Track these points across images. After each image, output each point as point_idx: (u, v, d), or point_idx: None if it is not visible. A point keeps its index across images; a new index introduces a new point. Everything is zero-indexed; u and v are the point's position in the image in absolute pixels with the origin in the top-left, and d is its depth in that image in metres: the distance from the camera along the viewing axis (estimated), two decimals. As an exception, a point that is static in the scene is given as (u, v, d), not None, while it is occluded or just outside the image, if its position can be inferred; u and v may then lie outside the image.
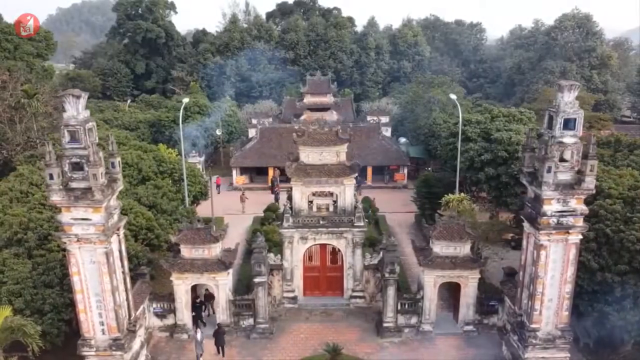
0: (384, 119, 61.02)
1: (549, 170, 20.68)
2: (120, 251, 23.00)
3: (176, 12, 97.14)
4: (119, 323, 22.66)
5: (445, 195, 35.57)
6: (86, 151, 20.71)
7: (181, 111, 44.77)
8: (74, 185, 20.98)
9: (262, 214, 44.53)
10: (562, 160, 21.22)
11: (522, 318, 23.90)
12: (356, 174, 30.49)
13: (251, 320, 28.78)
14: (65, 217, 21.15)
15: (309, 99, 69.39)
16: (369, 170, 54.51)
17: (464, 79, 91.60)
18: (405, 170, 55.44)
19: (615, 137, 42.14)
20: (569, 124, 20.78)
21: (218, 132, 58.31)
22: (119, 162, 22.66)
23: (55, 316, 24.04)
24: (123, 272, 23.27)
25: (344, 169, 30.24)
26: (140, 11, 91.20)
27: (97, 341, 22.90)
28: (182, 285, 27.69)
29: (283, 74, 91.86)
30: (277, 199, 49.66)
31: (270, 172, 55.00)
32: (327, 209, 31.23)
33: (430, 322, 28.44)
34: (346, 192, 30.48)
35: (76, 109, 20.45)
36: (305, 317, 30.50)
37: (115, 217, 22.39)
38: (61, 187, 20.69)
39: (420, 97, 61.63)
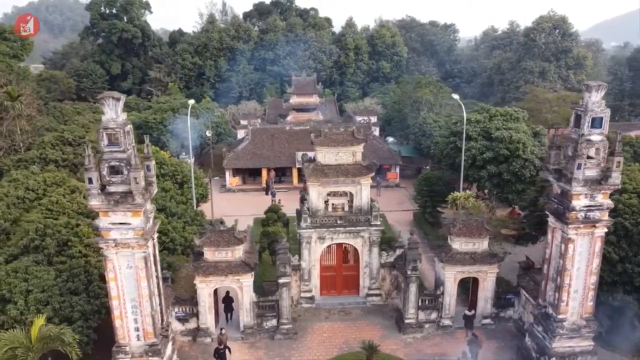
0: (373, 119, 61.80)
1: (579, 167, 21.62)
2: (154, 255, 22.69)
3: (151, 12, 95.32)
4: (155, 328, 22.35)
5: (452, 193, 36.40)
6: (125, 154, 20.40)
7: (188, 112, 44.37)
8: (111, 189, 20.61)
9: (263, 215, 44.47)
10: (588, 157, 22.19)
11: (547, 310, 24.81)
12: (373, 174, 30.93)
13: (274, 322, 28.81)
14: (103, 222, 20.73)
15: (295, 100, 69.58)
16: (361, 169, 54.99)
17: (440, 79, 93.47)
18: (398, 169, 56.28)
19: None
20: (595, 123, 21.76)
21: (208, 134, 57.68)
22: (153, 165, 22.35)
23: (84, 324, 23.60)
24: (157, 277, 22.95)
25: (360, 168, 30.62)
26: (114, 11, 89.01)
27: (132, 347, 22.51)
28: (205, 289, 27.48)
29: (263, 74, 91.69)
30: (273, 200, 49.62)
31: (264, 173, 54.90)
32: (343, 208, 31.56)
33: (450, 316, 29.17)
34: (362, 192, 30.87)
35: (115, 111, 20.15)
36: (325, 316, 30.75)
37: (151, 220, 22.10)
38: (100, 191, 20.27)
39: (408, 97, 62.63)
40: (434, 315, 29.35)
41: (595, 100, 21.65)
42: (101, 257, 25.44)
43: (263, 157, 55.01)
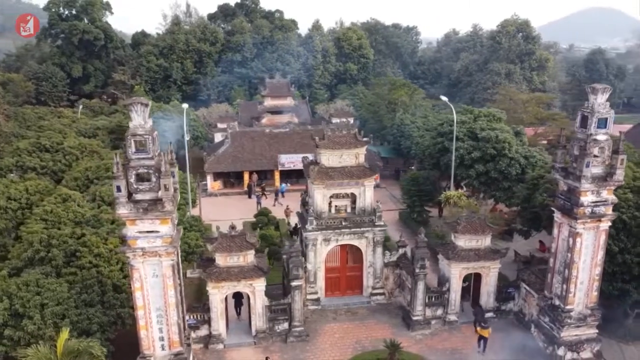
0: (350, 121, 62.47)
1: (587, 165, 22.94)
2: (178, 263, 22.37)
3: (112, 13, 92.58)
4: (181, 337, 22.08)
5: (444, 192, 37.48)
6: (153, 161, 20.07)
7: (184, 116, 43.68)
8: (138, 197, 20.21)
9: (253, 219, 44.34)
10: (594, 155, 23.56)
11: (554, 301, 26.11)
12: (376, 175, 31.50)
13: (286, 325, 28.88)
14: (130, 230, 20.31)
15: (269, 102, 69.53)
16: (344, 171, 55.58)
17: (405, 80, 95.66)
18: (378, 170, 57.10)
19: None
20: (600, 123, 23.14)
21: (186, 137, 56.68)
22: (176, 171, 22.04)
23: (102, 336, 22.93)
24: (180, 285, 22.64)
25: (364, 170, 31.15)
26: (74, 11, 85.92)
27: (157, 357, 22.16)
28: (217, 295, 27.21)
29: (230, 77, 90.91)
30: (259, 203, 49.49)
31: (246, 176, 54.57)
32: (346, 210, 32.01)
33: (455, 312, 30.13)
34: (366, 193, 31.43)
35: (143, 117, 19.83)
36: (332, 317, 31.05)
37: (176, 227, 21.79)
38: (127, 199, 19.85)
39: (382, 98, 63.77)
40: (439, 312, 30.20)
41: (601, 102, 23.03)
42: (113, 267, 25.07)
43: (244, 160, 54.65)
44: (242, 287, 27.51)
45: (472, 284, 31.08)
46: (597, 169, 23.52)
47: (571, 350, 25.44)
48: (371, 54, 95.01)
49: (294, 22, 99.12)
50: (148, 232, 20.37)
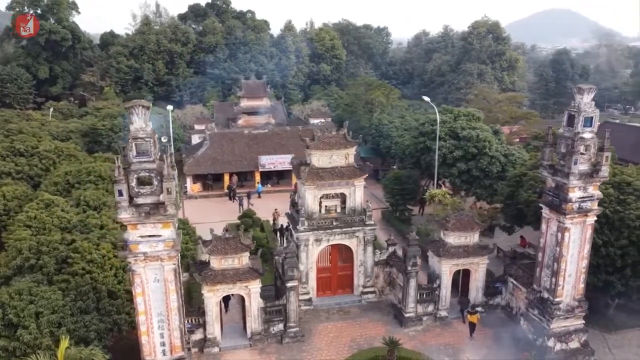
0: (328, 121, 62.88)
1: (575, 163, 23.83)
2: (179, 267, 22.14)
3: (79, 12, 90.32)
4: (182, 342, 21.87)
5: (429, 190, 38.21)
6: (154, 164, 19.83)
7: (169, 117, 42.99)
8: (139, 201, 19.94)
9: (236, 221, 44.04)
10: (580, 153, 24.48)
11: (542, 294, 27.00)
12: (366, 175, 31.87)
13: (281, 326, 28.88)
14: (132, 235, 20.00)
15: (245, 103, 69.26)
16: (324, 171, 55.84)
17: (381, 81, 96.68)
18: (358, 170, 57.55)
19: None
20: (586, 122, 24.08)
21: (164, 139, 55.84)
22: (176, 174, 21.81)
23: (99, 343, 22.49)
24: (181, 289, 22.41)
25: (354, 170, 31.45)
26: (39, 11, 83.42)
27: (158, 363, 21.85)
28: (213, 298, 26.97)
29: (203, 78, 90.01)
30: (241, 204, 49.24)
31: (226, 178, 54.19)
32: (335, 210, 32.22)
33: (446, 308, 30.74)
34: (356, 193, 31.70)
35: (144, 120, 19.54)
36: (325, 317, 31.22)
37: (177, 231, 21.58)
38: (129, 204, 19.57)
39: (359, 99, 64.33)
40: (430, 308, 30.75)
41: (587, 102, 23.96)
42: (107, 273, 24.63)
43: (224, 162, 54.30)
44: (237, 289, 27.36)
45: (460, 279, 31.80)
46: (583, 166, 24.45)
47: (560, 341, 26.35)
48: (344, 54, 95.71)
49: (266, 23, 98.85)
50: (150, 236, 20.12)
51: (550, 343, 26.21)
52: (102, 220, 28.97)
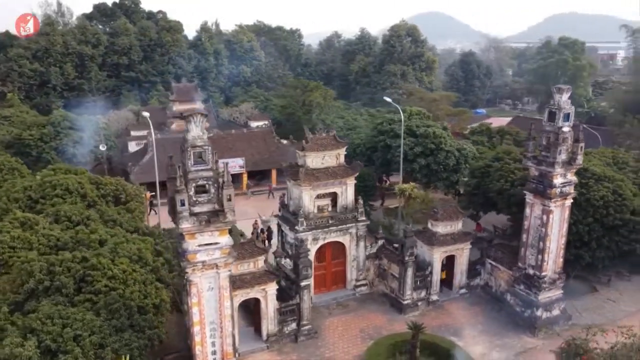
0: (267, 123, 63.24)
1: (559, 153, 27.37)
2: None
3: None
4: (234, 348, 21.84)
5: (401, 185, 40.68)
6: (211, 172, 19.73)
7: (150, 123, 40.72)
8: (196, 209, 19.72)
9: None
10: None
11: (528, 270, 30.48)
12: (357, 174, 33.35)
13: (294, 325, 29.43)
14: (191, 245, 19.68)
15: (177, 107, 67.46)
16: (274, 172, 56.39)
17: (317, 82, 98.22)
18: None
19: (485, 126, 53.03)
20: (565, 117, 27.75)
21: (102, 147, 52.80)
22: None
23: (142, 360, 21.74)
24: (231, 295, 22.30)
25: (345, 169, 32.85)
26: None
27: (210, 372, 21.62)
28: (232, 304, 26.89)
29: (118, 81, 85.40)
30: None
31: (176, 185, 52.41)
32: (327, 209, 33.37)
33: (437, 292, 33.29)
34: (348, 191, 33.10)
35: (201, 128, 19.38)
36: (327, 312, 32.27)
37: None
38: (189, 213, 19.30)
39: (296, 100, 65.51)
40: (423, 294, 33.09)
41: (565, 100, 27.61)
42: (132, 288, 23.72)
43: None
44: (255, 293, 27.50)
45: (445, 265, 34.57)
46: (563, 156, 28.12)
47: (545, 310, 29.98)
48: (262, 55, 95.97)
49: (179, 23, 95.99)
50: (207, 244, 19.93)
51: (539, 313, 29.69)
52: (100, 235, 27.48)
